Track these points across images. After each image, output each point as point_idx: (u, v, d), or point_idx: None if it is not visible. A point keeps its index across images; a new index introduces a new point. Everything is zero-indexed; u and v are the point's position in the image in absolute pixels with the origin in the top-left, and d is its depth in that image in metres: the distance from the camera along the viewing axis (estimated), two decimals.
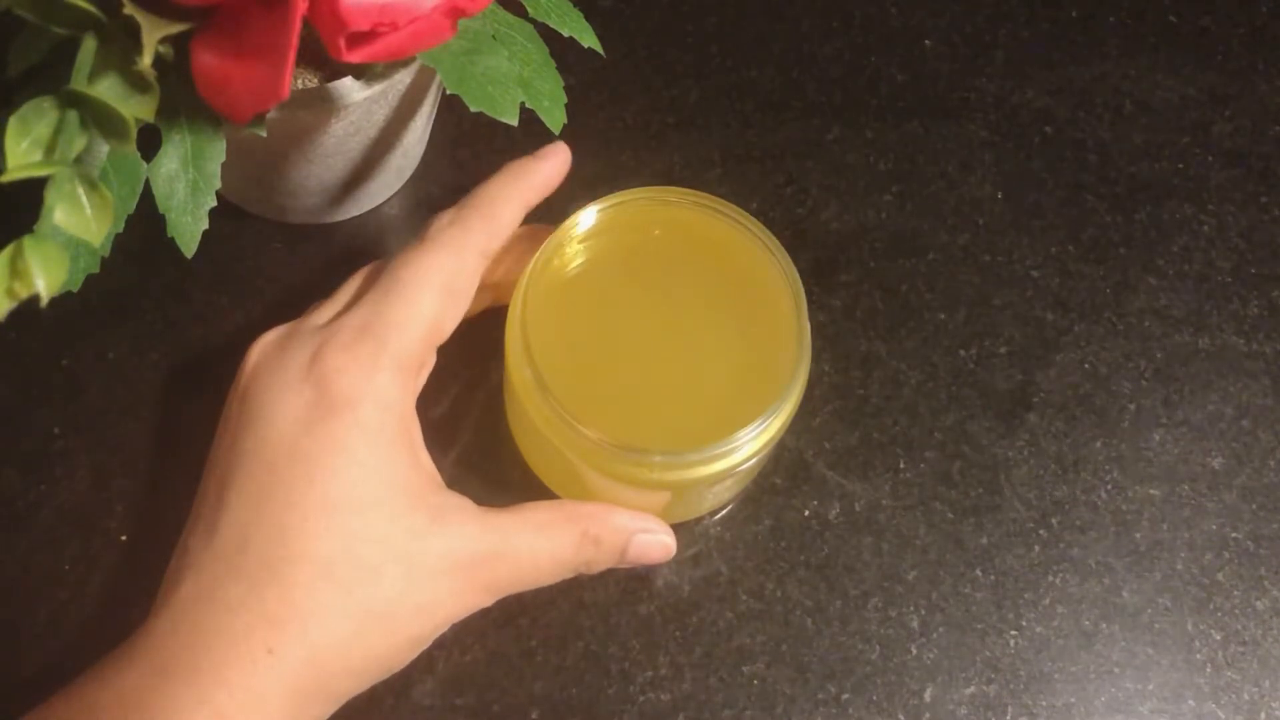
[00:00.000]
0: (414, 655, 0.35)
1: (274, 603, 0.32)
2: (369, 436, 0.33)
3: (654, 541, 0.37)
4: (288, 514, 0.32)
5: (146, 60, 0.28)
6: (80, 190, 0.28)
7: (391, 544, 0.33)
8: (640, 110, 0.49)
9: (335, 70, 0.37)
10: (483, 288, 0.38)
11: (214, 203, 0.34)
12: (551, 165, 0.38)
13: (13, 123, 0.27)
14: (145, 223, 0.34)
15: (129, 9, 0.28)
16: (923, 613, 0.41)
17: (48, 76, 0.31)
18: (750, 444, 0.35)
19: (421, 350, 0.35)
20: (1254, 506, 0.43)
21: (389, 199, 0.46)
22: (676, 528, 0.39)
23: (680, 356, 0.38)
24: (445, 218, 0.37)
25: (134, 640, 0.32)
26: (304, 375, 0.34)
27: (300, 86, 0.36)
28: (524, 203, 0.38)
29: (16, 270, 0.27)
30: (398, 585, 0.33)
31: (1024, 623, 0.41)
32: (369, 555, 0.33)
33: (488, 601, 0.35)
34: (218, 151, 0.33)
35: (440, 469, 0.40)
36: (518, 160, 0.38)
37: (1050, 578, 0.42)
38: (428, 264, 0.36)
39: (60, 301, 0.29)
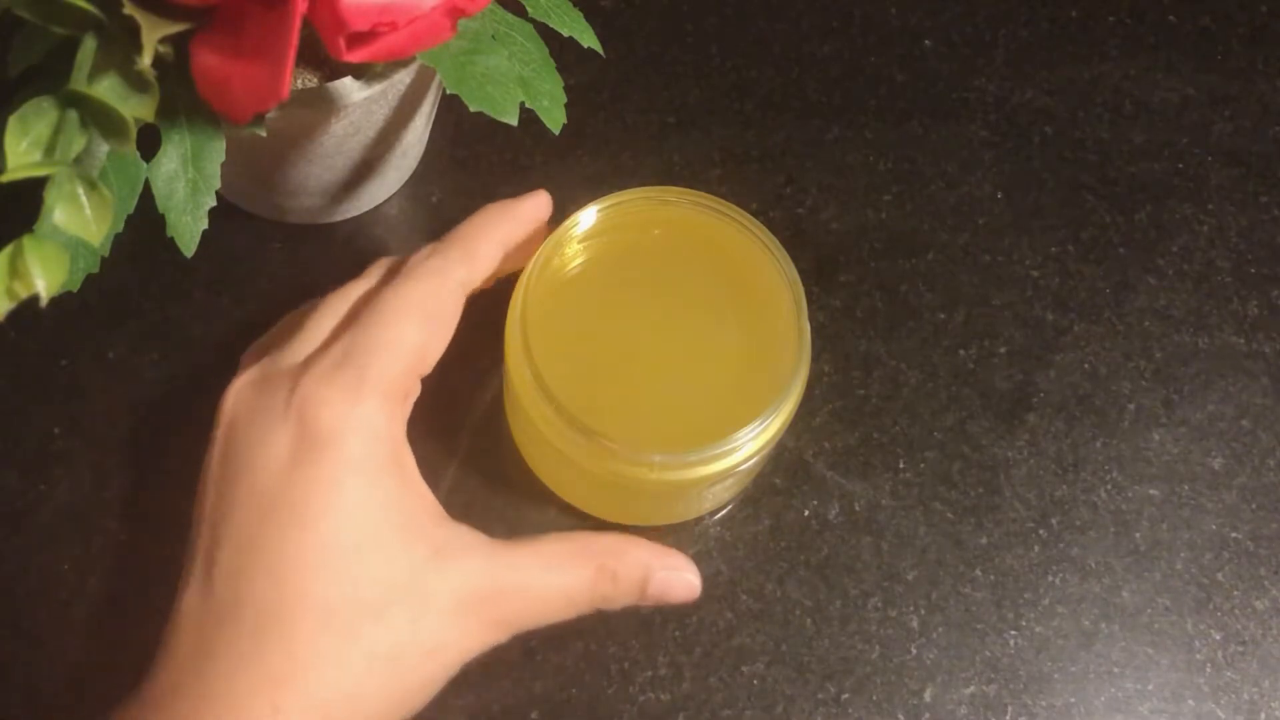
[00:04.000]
0: (430, 696, 0.33)
1: (276, 658, 0.30)
2: (358, 470, 0.32)
3: (677, 579, 0.35)
4: (282, 562, 0.31)
5: (146, 60, 0.28)
6: (80, 190, 0.28)
7: (393, 584, 0.32)
8: (640, 110, 0.49)
9: (335, 70, 0.37)
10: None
11: (214, 203, 0.34)
12: (530, 205, 0.38)
13: (13, 123, 0.27)
14: (145, 223, 0.34)
15: (129, 9, 0.28)
16: (923, 613, 0.41)
17: (48, 76, 0.31)
18: (750, 444, 0.35)
19: (405, 379, 0.34)
20: (1254, 506, 0.43)
21: (389, 199, 0.46)
22: (677, 528, 0.39)
23: (680, 356, 0.38)
24: (425, 251, 0.37)
25: (140, 698, 0.31)
26: (284, 413, 0.33)
27: (300, 86, 0.36)
28: (502, 239, 0.37)
29: (16, 270, 0.27)
30: (404, 627, 0.31)
31: (1024, 623, 0.41)
32: (370, 598, 0.31)
33: (502, 638, 0.34)
34: (218, 151, 0.33)
35: (440, 469, 0.40)
36: (496, 202, 0.38)
37: (1050, 578, 0.42)
38: (407, 293, 0.35)
39: (60, 301, 0.29)
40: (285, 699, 0.30)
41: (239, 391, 0.34)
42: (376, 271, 0.38)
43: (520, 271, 0.38)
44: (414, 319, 0.34)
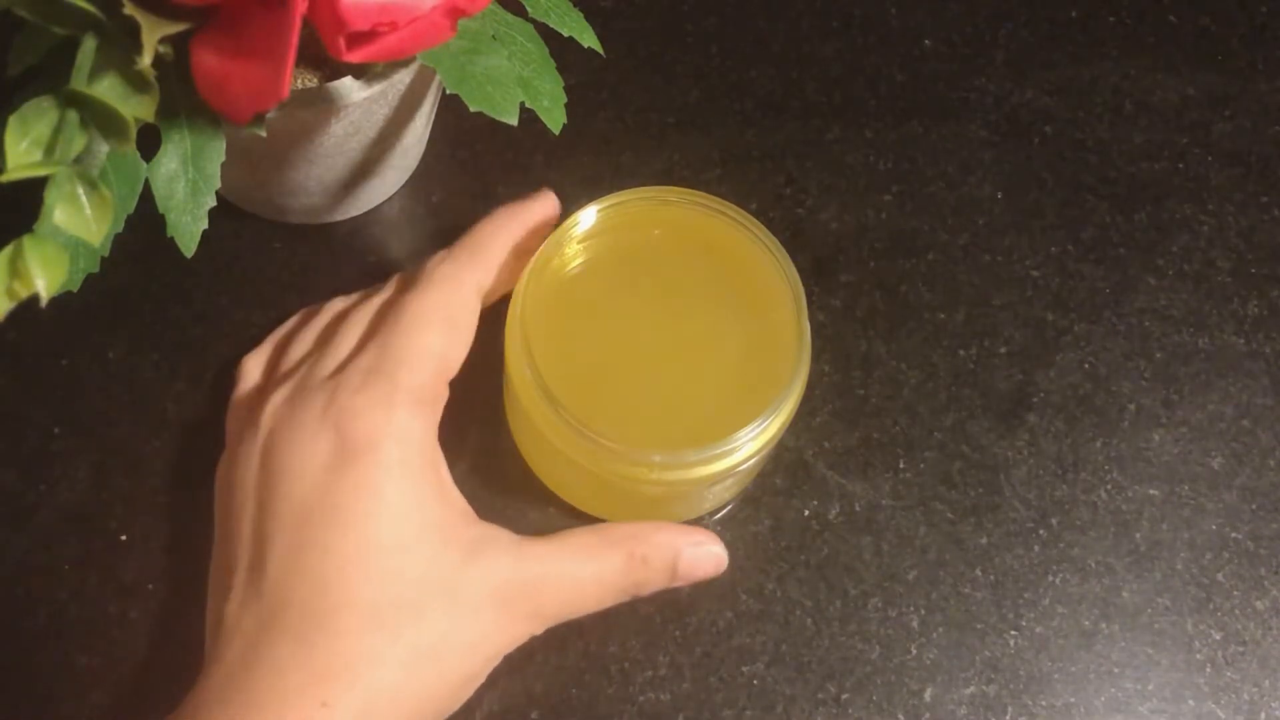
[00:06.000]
0: (470, 692, 0.34)
1: (322, 656, 0.31)
2: (395, 476, 0.33)
3: (705, 554, 0.37)
4: (325, 565, 0.32)
5: (146, 60, 0.28)
6: (80, 190, 0.28)
7: (432, 582, 0.33)
8: (640, 110, 0.49)
9: (335, 70, 0.37)
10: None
11: (214, 203, 0.34)
12: (540, 207, 0.39)
13: (13, 123, 0.27)
14: (145, 223, 0.34)
15: (129, 9, 0.28)
16: (923, 613, 0.41)
17: (48, 76, 0.31)
18: (750, 444, 0.35)
19: (434, 385, 0.35)
20: (1254, 506, 0.43)
21: (389, 199, 0.46)
22: None
23: (680, 357, 0.38)
24: (438, 257, 0.38)
25: (192, 703, 0.32)
26: (320, 425, 0.34)
27: (300, 86, 0.36)
28: (512, 241, 0.38)
29: (16, 270, 0.27)
30: (443, 623, 0.33)
31: (1024, 623, 0.41)
32: (411, 596, 0.32)
33: (537, 630, 0.35)
34: (218, 151, 0.33)
35: None
36: (507, 204, 0.39)
37: (1050, 578, 0.42)
38: (427, 301, 0.36)
39: (60, 301, 0.29)
40: (333, 694, 0.31)
41: (276, 407, 0.36)
42: (394, 283, 0.40)
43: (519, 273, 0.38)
44: (436, 327, 0.36)
